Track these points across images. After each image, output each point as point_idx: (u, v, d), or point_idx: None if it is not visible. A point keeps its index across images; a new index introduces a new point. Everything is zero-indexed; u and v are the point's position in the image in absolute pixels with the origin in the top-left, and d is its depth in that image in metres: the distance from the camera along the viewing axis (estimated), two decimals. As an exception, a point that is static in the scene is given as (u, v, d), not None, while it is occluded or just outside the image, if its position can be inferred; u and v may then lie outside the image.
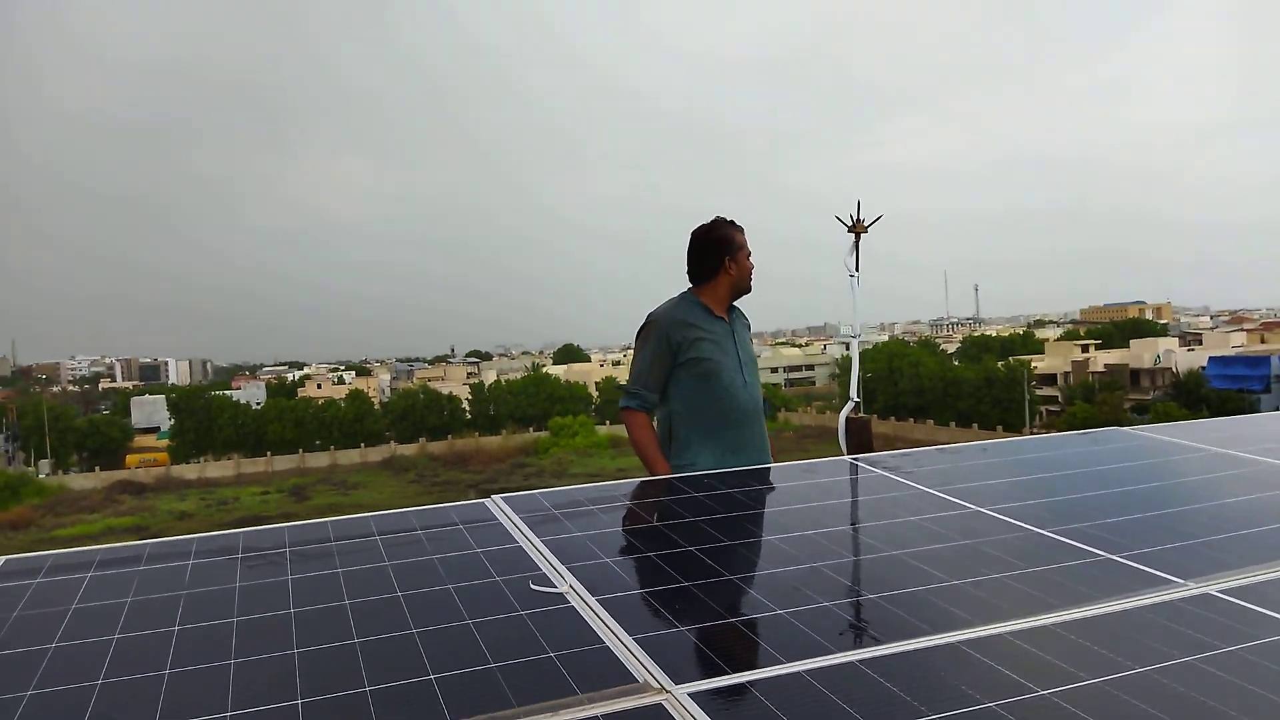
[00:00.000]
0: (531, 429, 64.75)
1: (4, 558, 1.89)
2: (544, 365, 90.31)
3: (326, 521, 2.08)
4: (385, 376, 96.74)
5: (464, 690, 1.27)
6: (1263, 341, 58.35)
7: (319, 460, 58.43)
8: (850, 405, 3.12)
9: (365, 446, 60.33)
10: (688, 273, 3.12)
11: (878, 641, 1.40)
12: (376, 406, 66.48)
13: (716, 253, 3.05)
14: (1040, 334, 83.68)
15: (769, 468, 2.63)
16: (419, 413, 64.47)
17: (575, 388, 70.12)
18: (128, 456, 60.87)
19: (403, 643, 1.43)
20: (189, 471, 55.53)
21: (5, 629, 1.52)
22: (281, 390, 79.60)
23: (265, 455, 57.81)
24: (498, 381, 72.59)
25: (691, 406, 2.97)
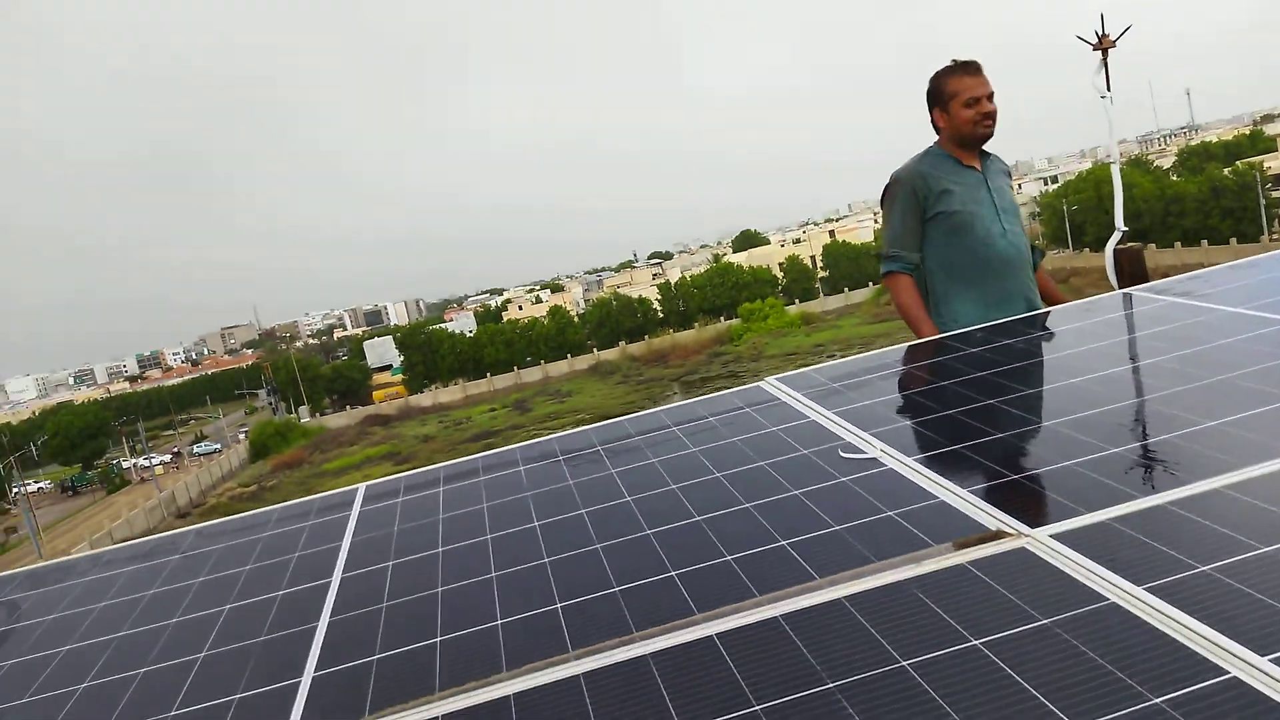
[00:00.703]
0: (722, 318, 65.07)
1: (364, 484, 2.19)
2: (724, 255, 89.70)
3: (625, 419, 2.23)
4: (577, 290, 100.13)
5: (820, 552, 1.35)
6: None
7: (532, 375, 62.10)
8: (1117, 235, 2.89)
9: (571, 357, 63.27)
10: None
11: (1228, 469, 1.33)
12: (575, 318, 69.18)
13: (930, 103, 2.96)
14: (1270, 130, 72.43)
15: (1045, 313, 2.51)
16: (614, 318, 66.51)
17: (759, 271, 69.36)
18: (374, 393, 67.63)
19: (742, 517, 1.53)
20: (423, 400, 60.86)
21: (442, 525, 1.77)
22: (488, 316, 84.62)
23: (485, 376, 62.21)
24: (683, 278, 73.13)
25: (946, 262, 2.89)
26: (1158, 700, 0.87)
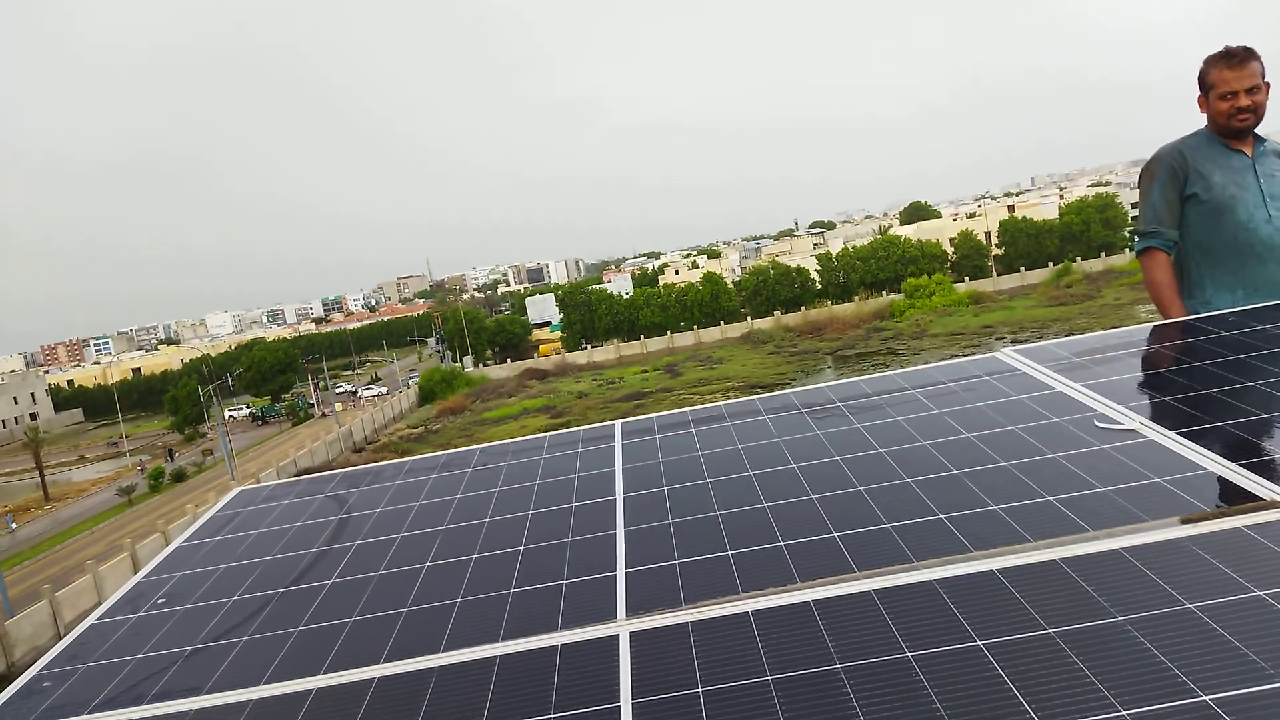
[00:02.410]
0: (884, 293, 63.09)
1: (620, 421, 2.44)
2: (890, 227, 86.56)
3: (860, 380, 2.37)
4: (734, 256, 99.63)
5: (1089, 510, 1.45)
6: None
7: (684, 340, 62.65)
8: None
9: (724, 324, 63.28)
10: None
11: None
12: (730, 285, 69.00)
13: (1201, 88, 2.94)
14: None
15: (1304, 300, 2.43)
16: (770, 287, 65.82)
17: (928, 246, 66.55)
18: (541, 347, 70.49)
19: (1000, 474, 1.65)
20: (579, 358, 62.76)
21: (703, 460, 2.00)
22: (644, 280, 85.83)
23: (639, 339, 63.35)
24: (845, 249, 71.24)
25: (1203, 244, 2.87)
26: None
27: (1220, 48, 2.92)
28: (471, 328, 71.78)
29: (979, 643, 1.14)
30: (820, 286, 66.82)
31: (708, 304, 65.17)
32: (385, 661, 1.38)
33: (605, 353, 62.91)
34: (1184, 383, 1.97)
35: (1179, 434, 1.67)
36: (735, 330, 62.12)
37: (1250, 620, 1.09)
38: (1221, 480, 1.46)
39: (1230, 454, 1.55)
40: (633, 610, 1.40)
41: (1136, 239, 3.00)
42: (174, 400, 62.25)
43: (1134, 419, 1.77)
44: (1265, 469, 1.47)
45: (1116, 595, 1.19)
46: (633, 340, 63.84)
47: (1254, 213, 2.81)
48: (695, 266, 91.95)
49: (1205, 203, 2.85)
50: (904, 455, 1.82)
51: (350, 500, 2.19)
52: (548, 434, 2.43)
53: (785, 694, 1.11)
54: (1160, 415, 1.77)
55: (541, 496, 1.97)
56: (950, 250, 67.12)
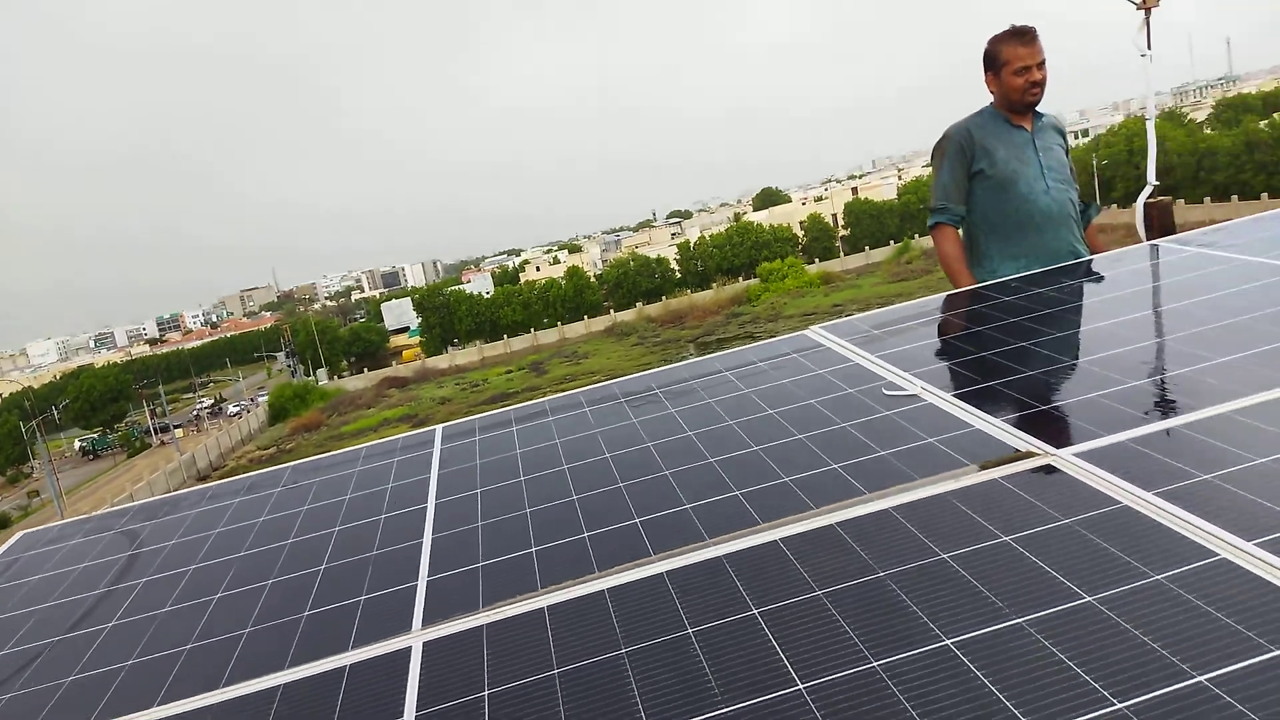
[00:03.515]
0: (741, 278, 64.97)
1: (442, 425, 2.39)
2: (745, 214, 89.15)
3: (679, 365, 2.41)
4: (595, 250, 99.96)
5: (869, 474, 1.53)
6: None
7: (549, 337, 62.36)
8: (1148, 189, 3.02)
9: (588, 318, 63.44)
10: None
11: (1234, 397, 1.49)
12: (592, 279, 69.21)
13: (985, 67, 3.11)
14: (1315, 78, 70.75)
15: (1072, 265, 2.65)
16: (631, 279, 66.46)
17: (779, 230, 68.94)
18: (404, 352, 68.27)
19: (795, 447, 1.71)
20: (440, 362, 61.35)
21: (520, 459, 1.97)
22: (505, 278, 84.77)
23: (502, 339, 62.57)
24: (702, 237, 72.81)
25: (989, 217, 3.06)
26: (1158, 576, 1.05)
27: (1007, 27, 3.12)
28: (324, 338, 68.85)
29: (754, 611, 1.17)
30: (680, 275, 68.03)
31: (571, 299, 65.14)
32: (160, 704, 1.29)
33: (468, 355, 61.77)
34: (966, 348, 2.10)
35: (955, 396, 1.78)
36: (599, 324, 62.39)
37: (995, 565, 1.17)
38: (986, 437, 1.57)
39: (997, 412, 1.67)
40: (430, 619, 1.37)
41: (929, 215, 3.17)
42: (-9, 440, 56.64)
43: (917, 385, 1.88)
44: (1025, 423, 1.59)
45: (881, 553, 1.25)
46: (496, 341, 63.02)
47: (1034, 185, 3.03)
48: (556, 262, 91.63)
49: (991, 178, 3.04)
50: (710, 436, 1.86)
51: (143, 535, 2.04)
52: (365, 445, 2.35)
53: (569, 686, 1.11)
54: (940, 379, 1.89)
55: (351, 511, 1.90)
56: (801, 233, 69.80)
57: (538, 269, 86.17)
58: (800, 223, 71.27)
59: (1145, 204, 2.97)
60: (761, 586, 1.23)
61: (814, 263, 65.25)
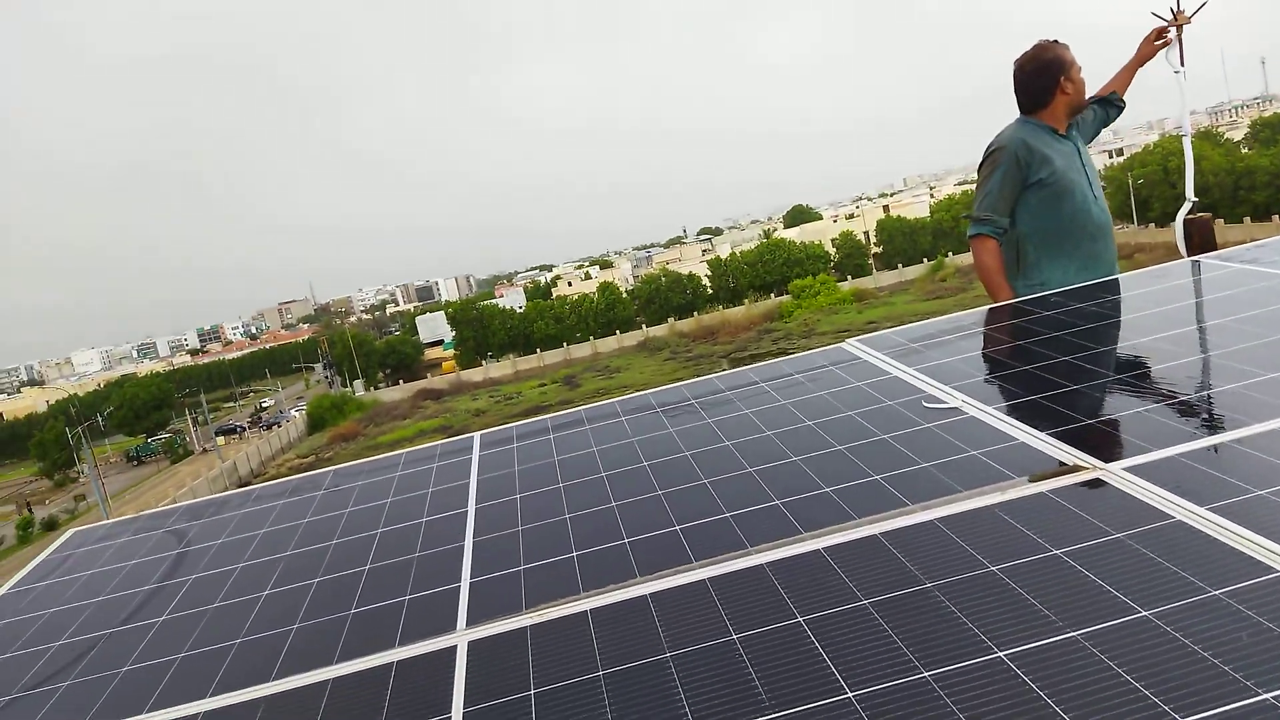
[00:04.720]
0: (773, 295, 64.78)
1: (480, 432, 2.41)
2: (775, 230, 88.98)
3: (714, 376, 2.42)
4: (627, 266, 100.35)
5: (912, 486, 1.52)
6: None
7: (581, 351, 62.62)
8: (1187, 206, 2.99)
9: (620, 333, 63.59)
10: (1020, 103, 3.15)
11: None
12: (624, 295, 69.42)
13: (1052, 74, 3.09)
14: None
15: (1115, 279, 2.62)
16: (663, 295, 66.56)
17: (811, 247, 68.71)
18: (444, 364, 68.88)
19: (835, 458, 1.71)
20: (475, 374, 61.83)
21: (559, 466, 1.99)
22: (538, 293, 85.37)
23: (535, 352, 62.94)
24: (733, 254, 72.79)
25: (1043, 227, 3.04)
26: (1216, 592, 1.04)
27: (1046, 38, 3.12)
28: (360, 350, 69.71)
29: (799, 619, 1.17)
30: (711, 291, 68.00)
31: (603, 314, 65.36)
32: (213, 695, 1.32)
33: (502, 368, 62.17)
34: (1005, 361, 2.09)
35: (996, 409, 1.77)
36: (631, 339, 62.52)
37: (1046, 578, 1.16)
38: (1031, 450, 1.56)
39: (1041, 425, 1.65)
40: (474, 620, 1.38)
41: (969, 225, 3.14)
42: (40, 445, 57.98)
43: (958, 398, 1.86)
44: (1070, 437, 1.58)
45: (927, 564, 1.24)
46: (529, 354, 63.38)
47: (1085, 194, 3.04)
48: (588, 277, 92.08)
49: (1049, 187, 3.02)
50: (748, 446, 1.86)
51: (190, 534, 2.08)
52: (404, 450, 2.38)
53: (615, 687, 1.12)
54: (981, 393, 1.87)
55: (392, 514, 1.93)
56: (833, 251, 69.47)
57: (570, 284, 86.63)
58: (832, 240, 70.97)
59: (1185, 220, 2.93)
60: (806, 594, 1.23)
61: (846, 280, 64.90)
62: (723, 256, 73.38)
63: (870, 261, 69.59)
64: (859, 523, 1.42)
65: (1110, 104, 3.33)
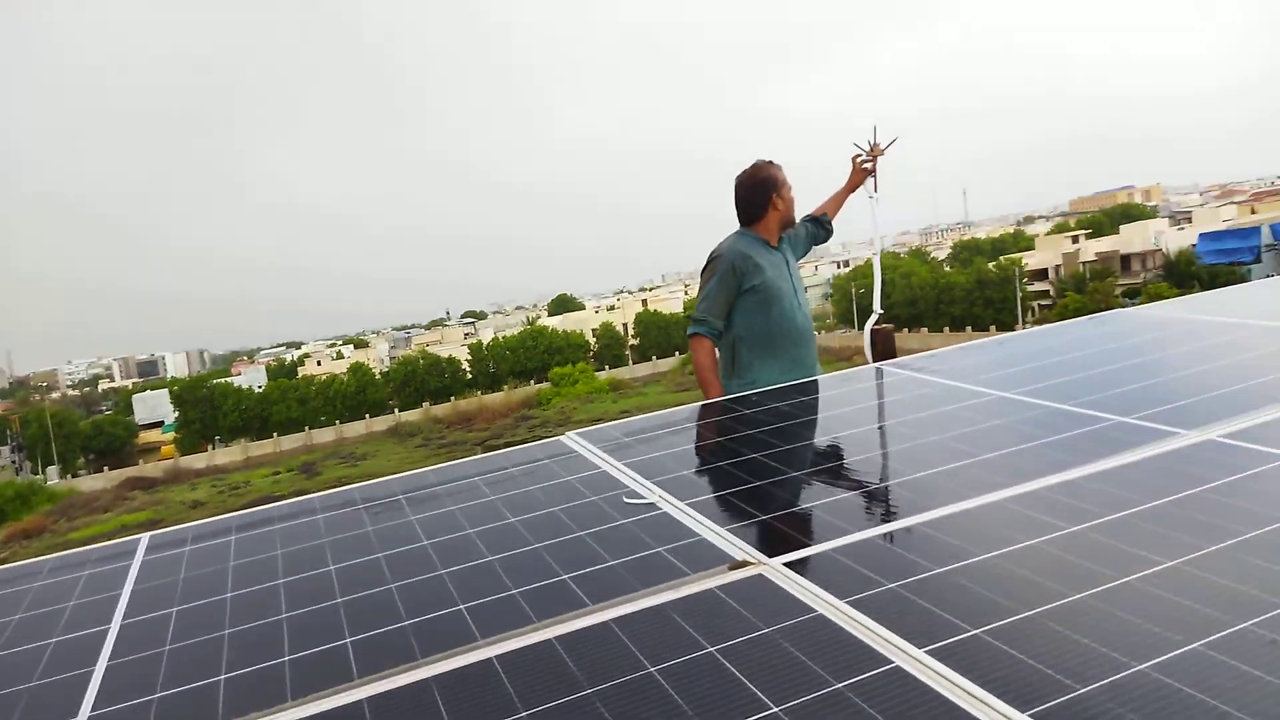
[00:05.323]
0: (532, 382, 65.21)
1: (148, 534, 2.13)
2: (539, 318, 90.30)
3: (427, 470, 2.32)
4: (383, 346, 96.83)
5: (596, 583, 1.52)
6: (1253, 213, 58.22)
7: (325, 436, 58.93)
8: (873, 318, 3.36)
9: (370, 417, 60.74)
10: (739, 215, 3.43)
11: (925, 509, 1.65)
12: (378, 376, 66.70)
13: (764, 192, 3.38)
14: (1031, 230, 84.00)
15: (808, 381, 2.87)
16: (420, 378, 64.78)
17: (572, 336, 70.37)
18: (163, 449, 61.37)
19: (531, 556, 1.68)
20: (197, 461, 55.99)
21: (231, 573, 1.76)
22: (281, 372, 79.73)
23: (271, 437, 58.26)
24: (495, 339, 72.72)
25: (754, 331, 3.29)
26: (839, 685, 1.10)
27: (764, 159, 3.44)
28: (60, 431, 60.96)
29: (453, 740, 1.10)
30: (471, 376, 67.20)
31: (353, 396, 62.20)
32: None
33: (231, 454, 56.81)
34: (706, 457, 2.19)
35: (689, 504, 1.83)
36: (382, 424, 59.85)
37: (696, 679, 1.17)
38: (711, 546, 1.62)
39: (725, 520, 1.72)
40: (80, 766, 1.17)
41: (691, 324, 3.35)
42: None
43: (656, 493, 1.92)
44: (747, 533, 1.66)
45: (593, 669, 1.23)
46: (266, 439, 58.58)
47: (791, 302, 3.34)
48: (340, 357, 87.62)
49: (760, 294, 3.29)
50: (447, 546, 1.78)
51: None
52: (51, 556, 2.04)
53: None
54: (679, 488, 1.94)
55: (16, 635, 1.62)
56: (593, 340, 71.56)
57: (319, 363, 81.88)
58: (593, 330, 73.19)
59: (871, 330, 3.30)
60: (469, 711, 1.16)
61: (604, 369, 66.88)
62: (485, 341, 73.06)
63: (628, 352, 72.37)
64: (537, 626, 1.38)
65: (820, 225, 3.71)
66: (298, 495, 2.31)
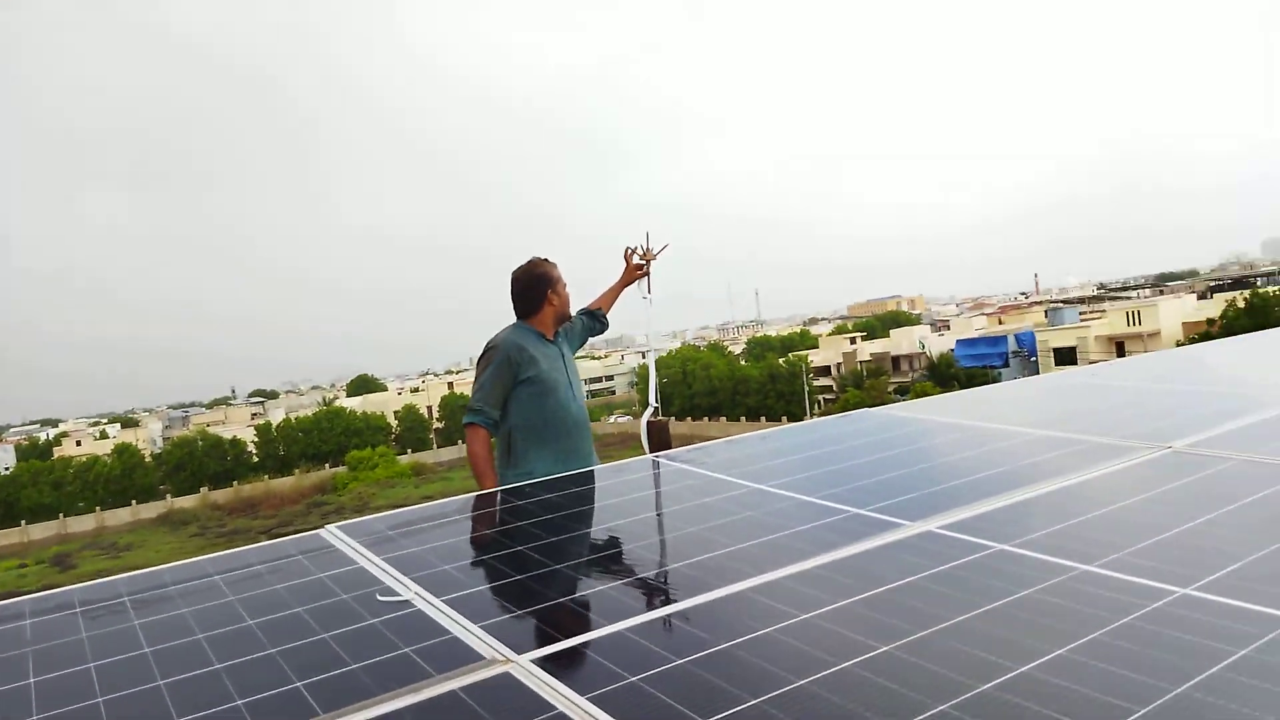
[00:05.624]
0: (328, 465, 61.61)
1: None
2: (336, 399, 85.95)
3: (164, 568, 2.12)
4: (156, 426, 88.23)
5: (330, 689, 1.44)
6: (1000, 323, 66.56)
7: (84, 524, 52.52)
8: (650, 410, 3.49)
9: (137, 503, 54.83)
10: (515, 309, 3.47)
11: (676, 600, 1.70)
12: (148, 459, 60.53)
13: (540, 288, 3.46)
14: (815, 330, 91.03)
15: (583, 472, 2.91)
16: (198, 460, 59.52)
17: (373, 418, 67.51)
18: None
19: (262, 665, 1.56)
20: (-83, 555, 47.98)
21: None
22: (34, 452, 70.58)
23: (19, 525, 51.05)
24: (287, 419, 68.33)
25: (529, 421, 3.30)
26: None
27: (539, 256, 3.53)
28: None
29: None
30: (257, 459, 62.49)
31: (118, 480, 55.95)
32: None
33: (-38, 545, 49.18)
34: (471, 550, 2.15)
35: (445, 600, 1.78)
36: (151, 510, 54.18)
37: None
38: (459, 644, 1.58)
39: (479, 616, 1.69)
40: None
41: (466, 413, 3.34)
42: None
43: (413, 589, 1.85)
44: (500, 629, 1.63)
45: (313, 786, 1.15)
46: (13, 528, 51.19)
47: (565, 394, 3.41)
48: (104, 436, 78.87)
49: (535, 385, 3.33)
50: (167, 654, 1.63)
51: None
52: None
53: None
54: (437, 584, 1.89)
55: None
56: (395, 423, 68.85)
57: (78, 443, 73.26)
58: (395, 412, 70.56)
59: (647, 422, 3.43)
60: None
61: (406, 453, 64.41)
62: (275, 422, 68.43)
63: (432, 435, 70.17)
64: (258, 742, 1.28)
65: (595, 318, 3.84)
66: (46, 589, 2.05)
